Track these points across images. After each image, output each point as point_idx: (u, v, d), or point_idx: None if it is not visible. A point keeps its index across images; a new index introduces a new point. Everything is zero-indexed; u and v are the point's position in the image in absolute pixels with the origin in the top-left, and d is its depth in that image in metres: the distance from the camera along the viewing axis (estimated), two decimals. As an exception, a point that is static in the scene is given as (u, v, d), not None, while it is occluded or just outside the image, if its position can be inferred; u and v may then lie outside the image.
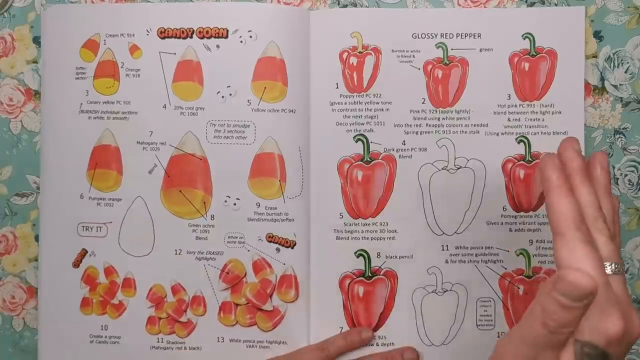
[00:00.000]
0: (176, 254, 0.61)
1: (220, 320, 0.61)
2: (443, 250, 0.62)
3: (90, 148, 0.62)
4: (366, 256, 0.62)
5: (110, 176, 0.62)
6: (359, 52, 0.62)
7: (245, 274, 0.61)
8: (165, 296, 0.62)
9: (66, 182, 0.62)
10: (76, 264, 0.62)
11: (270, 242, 0.61)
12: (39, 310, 0.63)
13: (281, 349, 0.61)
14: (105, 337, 0.62)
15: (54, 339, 0.63)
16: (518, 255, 0.61)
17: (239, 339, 0.61)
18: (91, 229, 0.62)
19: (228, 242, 0.61)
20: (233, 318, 0.61)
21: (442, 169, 0.62)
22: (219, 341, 0.62)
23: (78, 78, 0.62)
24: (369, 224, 0.62)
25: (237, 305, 0.61)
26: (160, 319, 0.62)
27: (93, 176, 0.62)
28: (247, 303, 0.61)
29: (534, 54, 0.62)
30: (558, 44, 0.62)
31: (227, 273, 0.61)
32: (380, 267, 0.62)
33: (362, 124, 0.62)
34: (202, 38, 0.61)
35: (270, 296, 0.61)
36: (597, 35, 0.62)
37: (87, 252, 0.62)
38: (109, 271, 0.62)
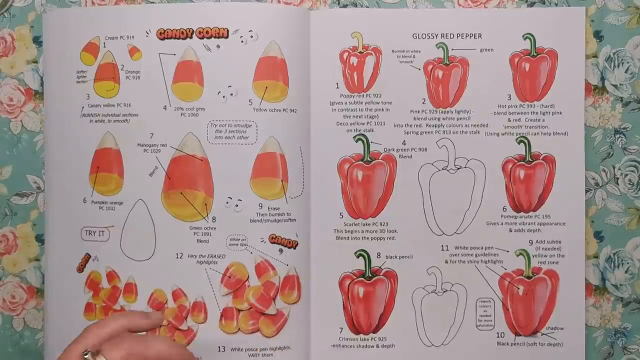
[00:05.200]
0: (177, 257, 0.61)
1: (221, 328, 0.61)
2: (443, 250, 0.62)
3: (92, 152, 0.62)
4: (366, 256, 0.62)
5: (112, 179, 0.61)
6: (360, 52, 0.62)
7: (248, 277, 0.61)
8: (166, 302, 0.61)
9: (70, 187, 0.62)
10: (80, 269, 0.62)
11: (273, 243, 0.61)
12: (45, 315, 0.63)
13: (285, 355, 0.60)
14: None
15: (59, 345, 0.61)
16: (518, 256, 0.62)
17: (241, 347, 0.60)
18: (94, 233, 0.62)
19: (230, 244, 0.61)
20: (235, 325, 0.61)
21: (442, 169, 0.62)
22: (220, 351, 0.60)
23: (79, 82, 0.62)
24: (369, 224, 0.62)
25: (239, 311, 0.61)
26: (160, 326, 0.61)
27: (95, 180, 0.61)
28: (250, 308, 0.61)
29: (535, 54, 0.62)
30: (558, 44, 0.62)
31: (229, 277, 0.61)
32: (380, 267, 0.62)
33: (363, 124, 0.62)
34: (202, 38, 0.61)
35: (274, 299, 0.61)
36: (597, 35, 0.62)
37: (90, 256, 0.62)
38: (111, 276, 0.62)
